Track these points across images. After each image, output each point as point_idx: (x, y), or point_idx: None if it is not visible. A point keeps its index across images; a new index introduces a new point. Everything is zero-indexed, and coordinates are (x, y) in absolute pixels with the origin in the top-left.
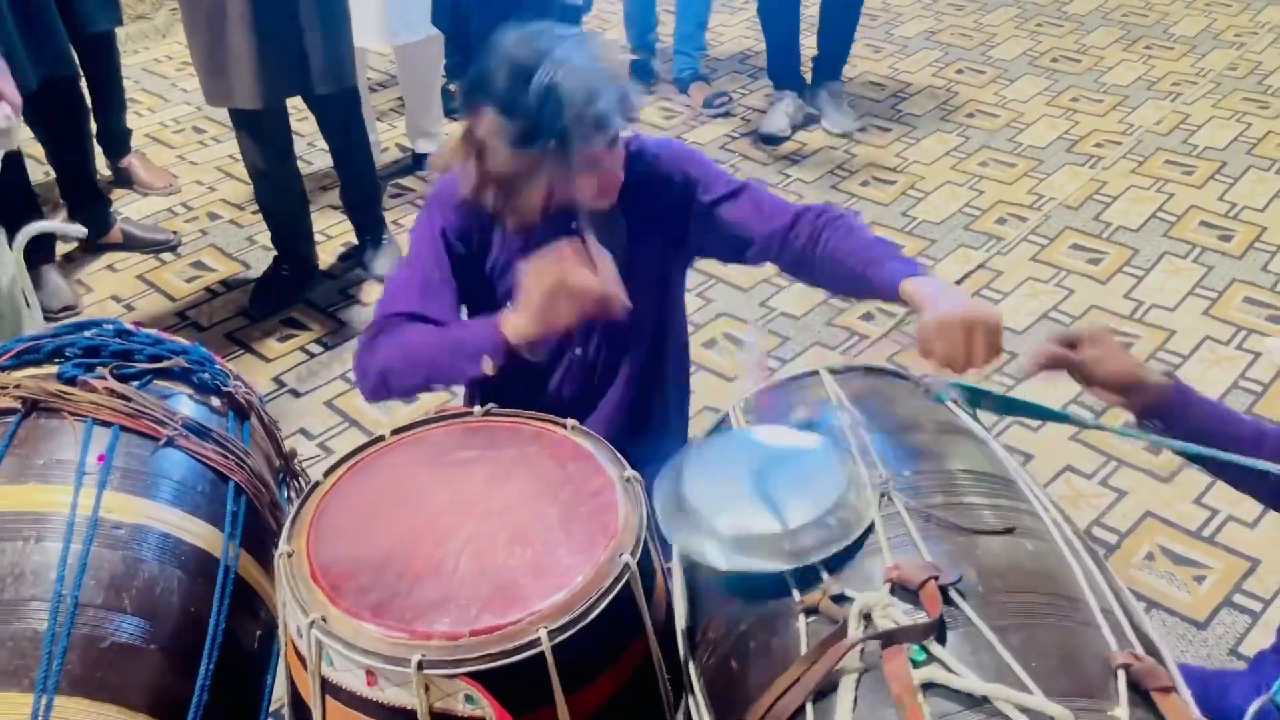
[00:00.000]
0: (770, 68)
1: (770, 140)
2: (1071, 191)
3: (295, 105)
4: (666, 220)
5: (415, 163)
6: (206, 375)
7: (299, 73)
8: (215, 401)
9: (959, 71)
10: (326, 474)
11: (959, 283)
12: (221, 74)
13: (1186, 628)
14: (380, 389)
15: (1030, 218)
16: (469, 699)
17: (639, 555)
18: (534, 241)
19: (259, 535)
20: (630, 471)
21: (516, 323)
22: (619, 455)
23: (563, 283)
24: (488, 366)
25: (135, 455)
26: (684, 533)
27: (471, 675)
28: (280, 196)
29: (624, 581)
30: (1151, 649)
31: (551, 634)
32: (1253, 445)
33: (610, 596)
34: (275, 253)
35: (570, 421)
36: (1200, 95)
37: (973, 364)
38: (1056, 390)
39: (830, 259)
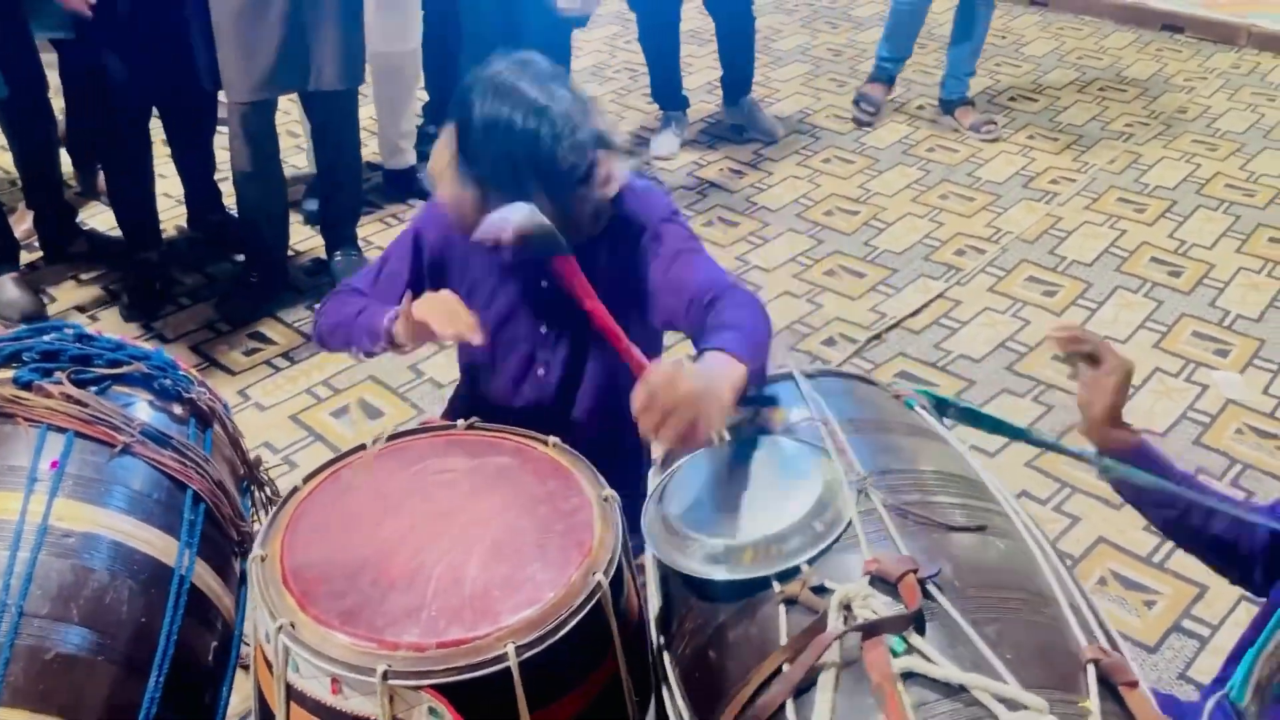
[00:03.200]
0: (654, 92)
1: (661, 160)
2: (1028, 225)
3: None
4: (640, 260)
5: (386, 179)
6: (168, 381)
7: (304, 67)
8: (176, 409)
9: (920, 108)
10: (306, 480)
11: (918, 312)
12: (250, 64)
13: (1137, 651)
14: (320, 342)
15: (988, 250)
16: (433, 711)
17: (612, 574)
18: (506, 263)
19: (218, 545)
20: (608, 491)
21: (395, 324)
22: (598, 474)
23: (432, 316)
24: (378, 349)
25: (90, 462)
26: (675, 555)
27: (436, 688)
28: (266, 199)
29: (595, 600)
30: (1115, 647)
31: (519, 650)
32: (1204, 519)
33: (581, 615)
34: (243, 261)
35: (552, 439)
36: (1152, 136)
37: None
38: (1019, 413)
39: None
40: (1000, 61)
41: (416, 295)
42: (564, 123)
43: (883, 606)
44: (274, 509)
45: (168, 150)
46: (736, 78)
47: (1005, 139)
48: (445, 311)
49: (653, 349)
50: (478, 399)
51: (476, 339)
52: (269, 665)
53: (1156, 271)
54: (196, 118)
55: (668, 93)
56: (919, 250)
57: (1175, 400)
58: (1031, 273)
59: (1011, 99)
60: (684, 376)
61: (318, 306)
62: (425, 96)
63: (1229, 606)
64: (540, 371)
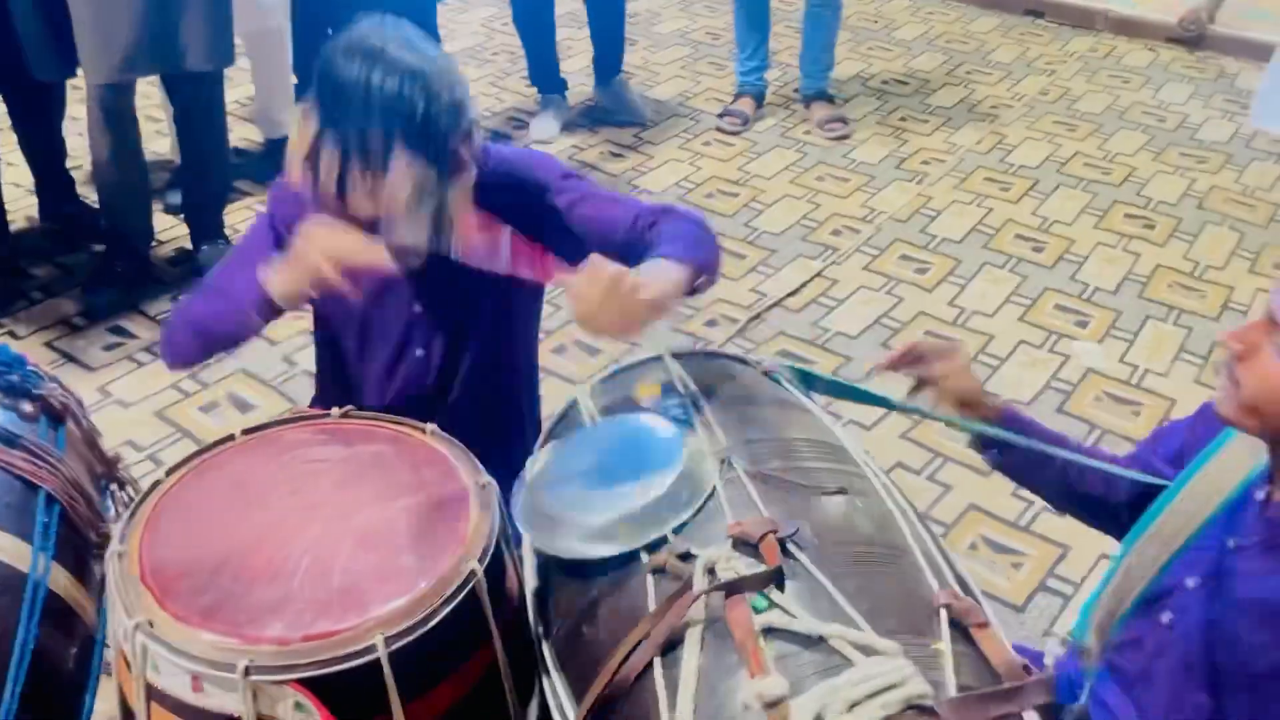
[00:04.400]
0: (532, 75)
1: (541, 144)
2: (900, 205)
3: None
4: (516, 225)
5: (267, 150)
6: (15, 378)
7: (168, 47)
8: (25, 406)
9: (796, 90)
10: (169, 473)
11: (796, 292)
12: (109, 43)
13: (1007, 612)
14: (175, 356)
15: (863, 230)
16: (299, 706)
17: (487, 562)
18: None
19: (76, 548)
20: (486, 478)
21: (277, 279)
22: (475, 461)
23: (327, 246)
24: (256, 323)
25: None
26: (550, 538)
27: (302, 682)
28: (128, 186)
29: (469, 589)
30: (968, 591)
31: (389, 640)
32: (1076, 477)
33: (454, 603)
34: (103, 252)
35: (430, 426)
36: (1016, 118)
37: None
38: (895, 388)
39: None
40: (873, 46)
41: None
42: (441, 81)
43: (745, 567)
44: (133, 503)
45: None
46: (607, 58)
47: (880, 121)
48: (349, 241)
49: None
50: (349, 386)
51: (388, 266)
52: (128, 665)
53: (1021, 247)
54: (40, 102)
55: (545, 75)
56: (797, 231)
57: (1040, 371)
58: (904, 251)
59: (884, 82)
60: (620, 269)
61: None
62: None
63: (1089, 565)
64: (418, 352)
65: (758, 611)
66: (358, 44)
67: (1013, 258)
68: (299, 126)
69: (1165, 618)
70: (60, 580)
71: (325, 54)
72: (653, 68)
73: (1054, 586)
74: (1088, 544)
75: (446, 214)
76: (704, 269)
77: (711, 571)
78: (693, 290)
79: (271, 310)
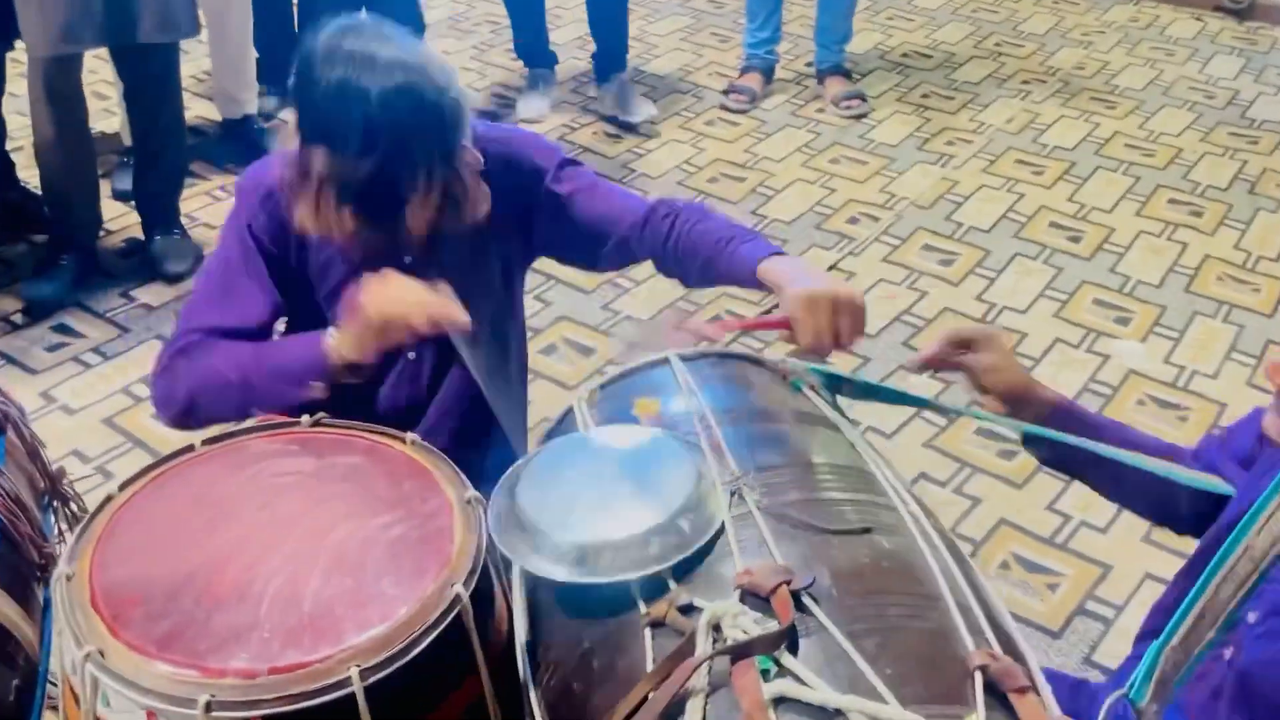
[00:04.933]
0: (518, 48)
1: (529, 124)
2: (923, 190)
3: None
4: (509, 213)
5: (224, 129)
6: None
7: (121, 16)
8: None
9: (808, 65)
10: (122, 487)
11: None
12: (52, 10)
13: (1041, 637)
14: (185, 416)
15: (883, 217)
16: None
17: (473, 585)
18: (360, 242)
19: (15, 569)
20: (472, 492)
21: (343, 344)
22: (460, 474)
23: (400, 306)
24: (316, 390)
25: None
26: (522, 550)
27: (269, 719)
28: (74, 170)
29: (454, 615)
30: (1010, 646)
31: (365, 673)
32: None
33: (437, 631)
34: (45, 242)
35: (410, 436)
36: (1049, 94)
37: (840, 342)
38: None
39: (685, 248)
40: (893, 15)
41: (275, 299)
42: (439, 73)
43: (753, 625)
44: (83, 521)
45: None
46: (608, 52)
47: (900, 97)
48: (413, 297)
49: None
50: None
51: (464, 318)
52: (76, 700)
53: (1056, 237)
54: None
55: (533, 48)
56: (810, 219)
57: (1077, 371)
58: (928, 240)
59: (904, 55)
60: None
61: (154, 371)
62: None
63: (1133, 586)
64: (411, 356)
65: (766, 678)
66: (337, 48)
67: (1047, 248)
68: (284, 140)
69: (1227, 653)
70: (0, 606)
71: (302, 62)
72: (650, 39)
73: (1093, 609)
74: (1130, 563)
75: (461, 208)
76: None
77: (717, 628)
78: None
79: (341, 373)
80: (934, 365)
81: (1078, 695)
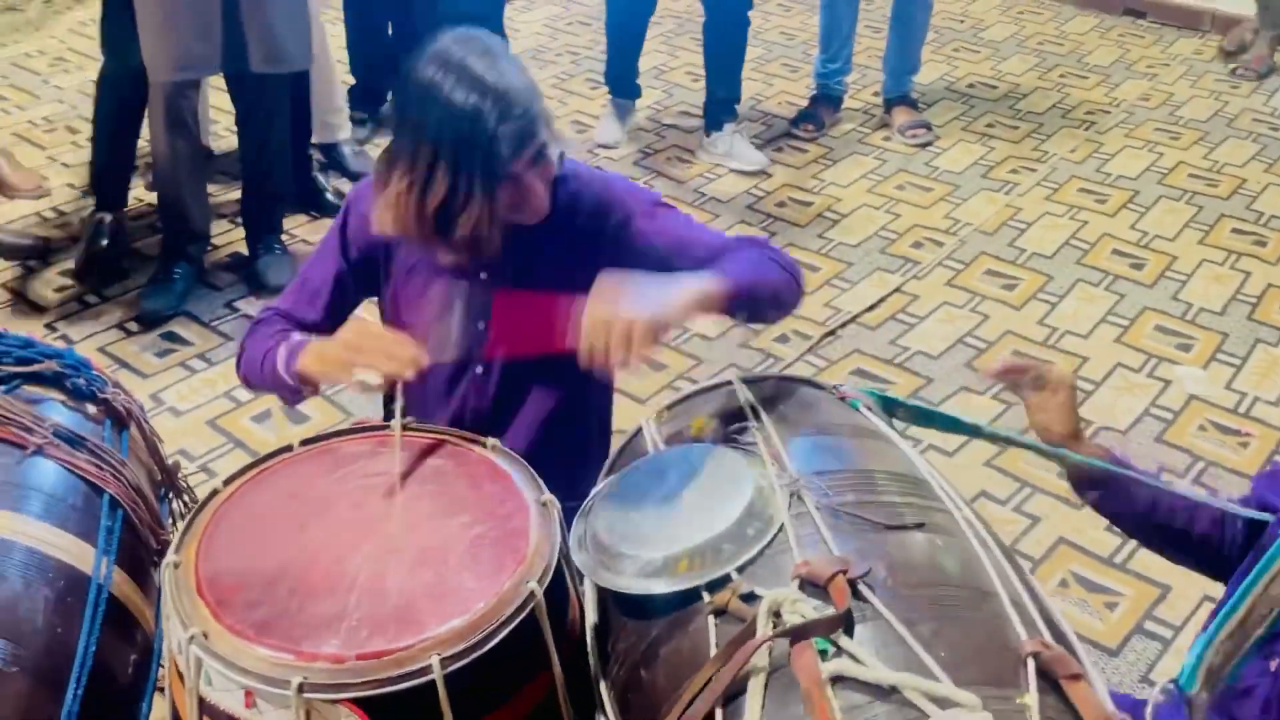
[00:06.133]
0: (609, 77)
1: (605, 149)
2: (987, 217)
3: None
4: (594, 248)
5: (324, 154)
6: (81, 381)
7: (237, 45)
8: (91, 409)
9: (875, 94)
10: (227, 482)
11: (874, 307)
12: (172, 38)
13: (1099, 655)
14: (244, 382)
15: (946, 242)
16: None
17: (547, 583)
18: (428, 248)
19: (136, 553)
20: (547, 495)
21: (310, 362)
22: (537, 478)
23: (354, 354)
24: (308, 391)
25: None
26: (605, 571)
27: (355, 701)
28: (188, 187)
29: (528, 610)
30: (1062, 639)
31: (444, 662)
32: (1187, 520)
33: (512, 625)
34: (159, 255)
35: (491, 440)
36: (1113, 125)
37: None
38: (979, 411)
39: None
40: (959, 47)
41: (341, 299)
42: (516, 98)
43: (811, 610)
44: (189, 514)
45: None
46: (721, 100)
47: (965, 126)
48: (380, 349)
49: None
50: (409, 399)
51: (422, 363)
52: (181, 677)
53: (1118, 264)
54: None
55: (622, 80)
56: (875, 243)
57: (1138, 396)
58: (990, 265)
59: (970, 85)
60: (623, 290)
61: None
62: (351, 80)
63: (1192, 607)
64: (478, 370)
65: (824, 658)
66: (439, 52)
67: (1109, 275)
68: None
69: (1274, 664)
70: (121, 586)
71: (404, 74)
72: None
73: (1152, 629)
74: (1189, 584)
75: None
76: (750, 290)
77: (777, 614)
78: (752, 315)
79: (307, 388)
80: (1001, 379)
81: (1137, 711)
